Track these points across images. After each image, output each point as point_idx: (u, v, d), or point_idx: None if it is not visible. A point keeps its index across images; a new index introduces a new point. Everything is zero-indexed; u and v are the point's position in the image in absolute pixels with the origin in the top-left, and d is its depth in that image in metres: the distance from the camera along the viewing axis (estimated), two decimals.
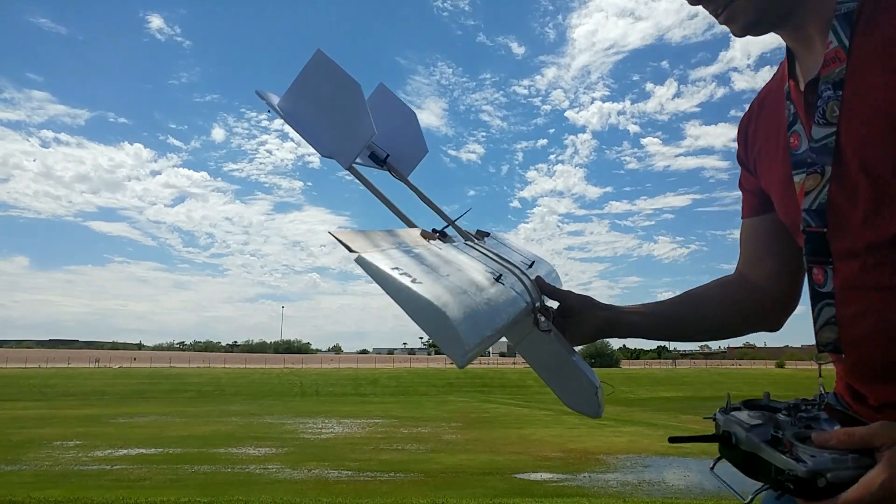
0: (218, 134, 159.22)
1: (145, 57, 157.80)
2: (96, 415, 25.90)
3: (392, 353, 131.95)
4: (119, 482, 11.19)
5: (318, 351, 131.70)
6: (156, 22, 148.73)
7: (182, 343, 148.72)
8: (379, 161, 2.62)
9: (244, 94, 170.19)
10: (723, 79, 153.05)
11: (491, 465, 13.06)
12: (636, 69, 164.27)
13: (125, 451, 15.31)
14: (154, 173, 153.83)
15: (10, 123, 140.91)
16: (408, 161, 2.75)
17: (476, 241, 2.44)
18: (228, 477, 11.86)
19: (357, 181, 2.22)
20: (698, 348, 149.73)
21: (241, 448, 15.98)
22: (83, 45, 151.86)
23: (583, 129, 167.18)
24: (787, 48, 0.98)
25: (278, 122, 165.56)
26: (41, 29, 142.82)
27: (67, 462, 13.61)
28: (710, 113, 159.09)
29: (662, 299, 1.36)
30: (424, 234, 1.67)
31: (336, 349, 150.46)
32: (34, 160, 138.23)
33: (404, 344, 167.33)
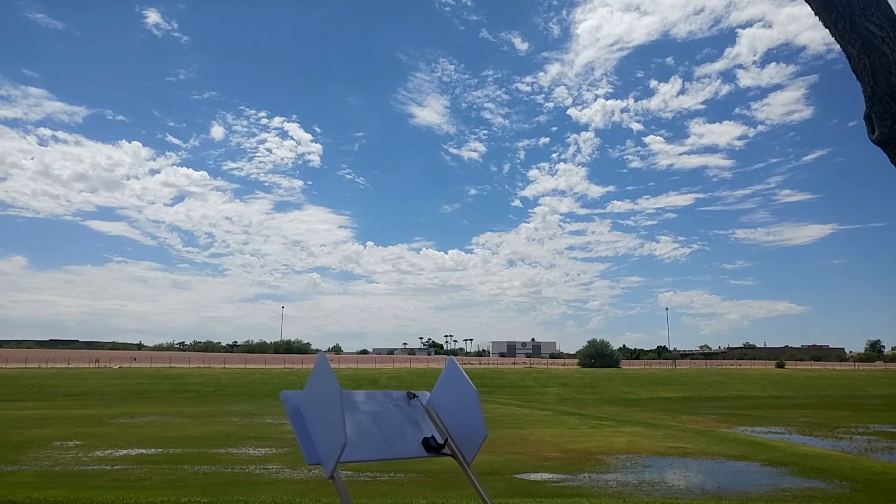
0: (217, 132, 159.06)
1: (142, 53, 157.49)
2: (96, 415, 25.90)
3: (392, 354, 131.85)
4: (119, 482, 11.19)
5: (318, 351, 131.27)
6: (153, 17, 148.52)
7: (182, 343, 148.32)
8: (433, 448, 2.67)
9: (243, 92, 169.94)
10: (728, 76, 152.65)
11: (491, 465, 13.05)
12: (640, 66, 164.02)
13: (125, 451, 15.30)
14: (153, 172, 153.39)
15: (6, 121, 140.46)
16: (467, 444, 2.73)
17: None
18: (228, 477, 11.86)
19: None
20: (698, 348, 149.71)
21: (241, 448, 15.97)
22: (80, 40, 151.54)
23: (585, 128, 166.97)
24: None
25: (278, 120, 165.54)
26: (38, 24, 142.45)
27: (67, 462, 13.60)
28: (715, 110, 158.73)
29: None
30: None
31: (336, 349, 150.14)
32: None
33: (404, 344, 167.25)
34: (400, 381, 45.56)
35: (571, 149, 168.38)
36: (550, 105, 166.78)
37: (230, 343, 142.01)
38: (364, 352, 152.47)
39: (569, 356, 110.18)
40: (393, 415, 2.75)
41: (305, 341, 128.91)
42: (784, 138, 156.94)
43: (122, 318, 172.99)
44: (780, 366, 78.91)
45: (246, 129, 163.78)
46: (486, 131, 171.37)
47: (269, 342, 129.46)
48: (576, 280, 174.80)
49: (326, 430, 2.24)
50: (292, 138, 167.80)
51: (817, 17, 2.90)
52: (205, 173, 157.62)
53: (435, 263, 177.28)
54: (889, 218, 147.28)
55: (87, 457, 14.41)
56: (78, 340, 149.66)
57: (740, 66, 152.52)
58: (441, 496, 9.49)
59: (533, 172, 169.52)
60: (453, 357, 2.93)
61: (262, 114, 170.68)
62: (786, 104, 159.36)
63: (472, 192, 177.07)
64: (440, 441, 2.68)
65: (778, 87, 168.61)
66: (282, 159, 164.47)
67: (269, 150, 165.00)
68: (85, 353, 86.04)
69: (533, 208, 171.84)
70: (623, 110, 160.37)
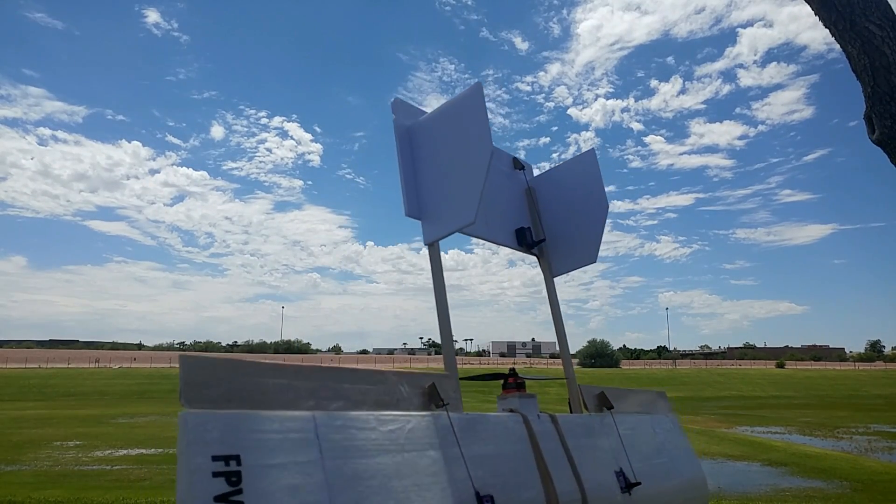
0: (217, 132, 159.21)
1: (142, 52, 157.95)
2: (96, 415, 25.90)
3: (392, 354, 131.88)
4: (119, 482, 11.18)
5: (318, 351, 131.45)
6: (152, 16, 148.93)
7: (182, 343, 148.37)
8: (526, 244, 2.32)
9: (243, 91, 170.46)
10: (729, 75, 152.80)
11: None
12: (641, 65, 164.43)
13: (125, 451, 15.30)
14: (153, 172, 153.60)
15: (6, 121, 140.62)
16: (567, 257, 2.34)
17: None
18: None
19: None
20: (698, 348, 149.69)
21: None
22: (80, 40, 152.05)
23: (586, 127, 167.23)
24: None
25: (278, 120, 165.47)
26: (37, 24, 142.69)
27: (67, 462, 13.60)
28: (715, 110, 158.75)
29: None
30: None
31: (336, 349, 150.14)
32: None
33: (404, 344, 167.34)
34: None
35: (572, 148, 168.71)
36: (551, 105, 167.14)
37: (230, 343, 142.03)
38: (364, 352, 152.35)
39: None
40: (493, 182, 2.26)
41: (305, 341, 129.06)
42: (784, 138, 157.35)
43: (122, 318, 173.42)
44: (780, 366, 78.92)
45: (246, 129, 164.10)
46: None
47: (269, 342, 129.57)
48: (576, 280, 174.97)
49: (449, 192, 1.78)
50: (292, 138, 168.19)
51: (817, 17, 2.90)
52: (205, 173, 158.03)
53: None
54: (889, 218, 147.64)
55: (87, 457, 14.41)
56: (78, 340, 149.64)
57: (741, 66, 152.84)
58: None
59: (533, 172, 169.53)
60: (594, 151, 2.45)
61: (262, 114, 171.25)
62: (786, 104, 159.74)
63: None
64: (535, 237, 2.33)
65: (779, 87, 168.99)
66: (282, 159, 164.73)
67: (269, 149, 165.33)
68: (85, 353, 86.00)
69: None
70: (623, 110, 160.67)
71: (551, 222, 2.34)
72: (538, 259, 2.40)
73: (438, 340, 2.80)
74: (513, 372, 2.05)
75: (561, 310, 2.32)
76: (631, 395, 2.38)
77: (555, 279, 2.38)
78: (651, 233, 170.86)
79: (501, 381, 2.10)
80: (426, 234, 1.79)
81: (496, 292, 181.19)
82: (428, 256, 1.92)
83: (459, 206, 1.70)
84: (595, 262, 2.26)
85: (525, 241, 2.29)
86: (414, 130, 1.95)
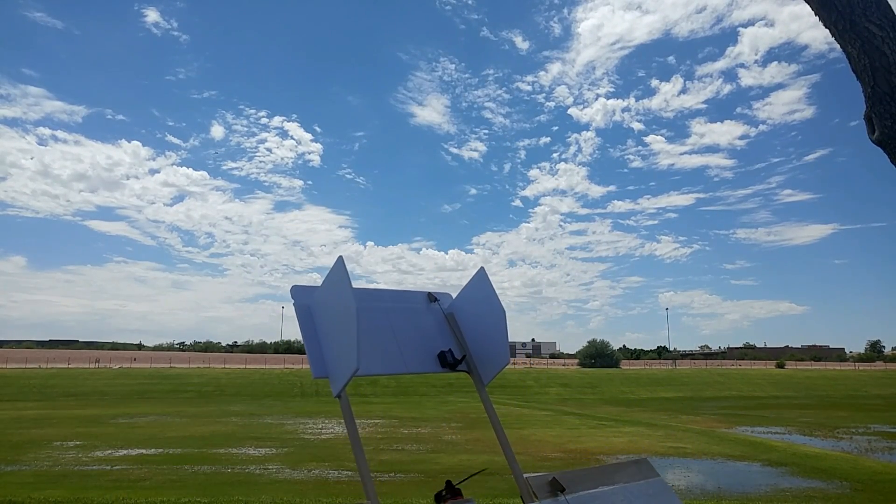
0: (217, 132, 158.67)
1: (142, 52, 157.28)
2: (96, 415, 25.89)
3: None
4: (119, 482, 11.19)
5: None
6: (152, 15, 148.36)
7: (182, 343, 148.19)
8: (448, 364, 2.49)
9: (243, 91, 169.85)
10: (729, 75, 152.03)
11: (491, 466, 13.04)
12: (642, 65, 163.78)
13: (125, 451, 15.30)
14: (153, 171, 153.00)
15: (6, 120, 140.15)
16: (487, 365, 2.54)
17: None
18: (228, 477, 11.85)
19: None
20: (698, 349, 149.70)
21: (241, 448, 15.97)
22: (79, 39, 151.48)
23: (586, 127, 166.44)
24: None
25: (278, 120, 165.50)
26: (36, 23, 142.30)
27: (67, 462, 13.60)
28: (716, 110, 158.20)
29: None
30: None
31: None
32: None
33: None
34: (400, 381, 45.51)
35: (572, 148, 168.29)
36: (551, 104, 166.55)
37: (230, 343, 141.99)
38: None
39: (569, 356, 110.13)
40: (409, 320, 2.54)
41: None
42: (785, 138, 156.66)
43: (122, 318, 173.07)
44: (781, 366, 78.90)
45: (246, 129, 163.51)
46: (486, 131, 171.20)
47: (269, 342, 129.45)
48: (576, 280, 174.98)
49: (339, 347, 2.04)
50: (292, 138, 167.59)
51: (817, 17, 2.90)
52: (205, 173, 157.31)
53: (435, 263, 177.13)
54: (889, 218, 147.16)
55: (87, 457, 14.41)
56: (78, 340, 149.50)
57: (742, 66, 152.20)
58: None
59: (533, 172, 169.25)
60: (485, 267, 2.78)
61: (262, 113, 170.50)
62: (787, 103, 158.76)
63: (473, 191, 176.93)
64: (457, 356, 2.53)
65: (780, 87, 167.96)
66: (282, 159, 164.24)
67: (269, 149, 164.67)
68: (85, 354, 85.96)
69: (533, 208, 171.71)
70: (624, 110, 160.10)
71: (470, 339, 2.60)
72: (469, 373, 2.58)
73: None
74: (448, 485, 2.27)
75: (497, 415, 2.54)
76: (595, 471, 2.48)
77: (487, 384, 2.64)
78: (651, 233, 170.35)
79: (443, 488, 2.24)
80: (333, 389, 2.04)
81: (496, 292, 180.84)
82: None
83: (346, 359, 1.97)
84: (508, 362, 2.53)
85: (447, 361, 2.49)
86: (311, 306, 2.29)
